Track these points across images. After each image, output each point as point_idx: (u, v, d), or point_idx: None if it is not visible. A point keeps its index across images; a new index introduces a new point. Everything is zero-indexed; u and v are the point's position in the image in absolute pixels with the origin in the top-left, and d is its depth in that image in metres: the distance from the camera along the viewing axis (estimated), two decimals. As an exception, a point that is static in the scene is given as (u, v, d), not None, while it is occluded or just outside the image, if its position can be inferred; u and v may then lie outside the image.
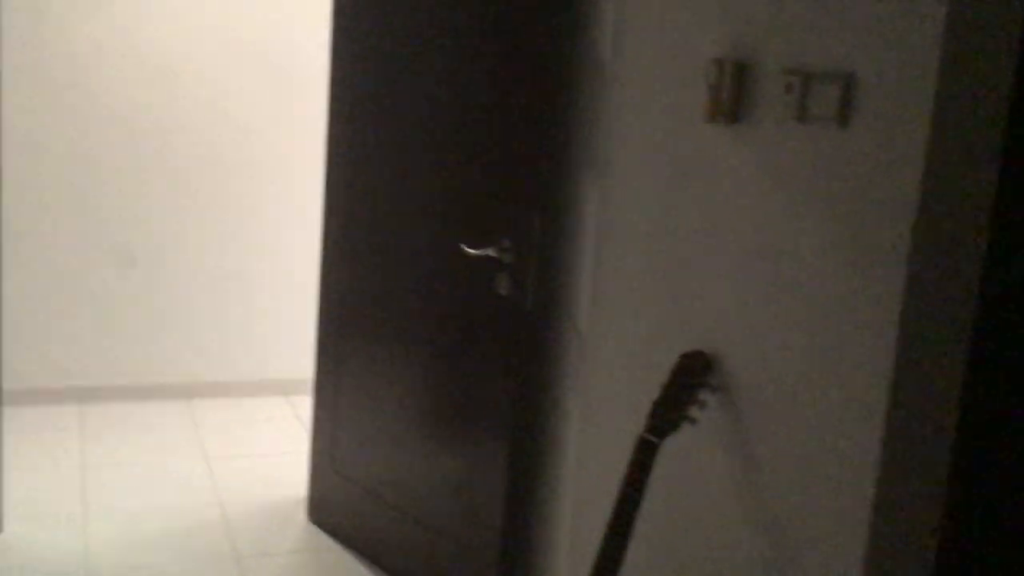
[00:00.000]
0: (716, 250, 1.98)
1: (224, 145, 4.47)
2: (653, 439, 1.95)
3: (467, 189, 2.70)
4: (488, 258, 2.60)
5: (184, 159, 4.42)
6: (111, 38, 4.21)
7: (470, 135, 2.67)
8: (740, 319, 1.91)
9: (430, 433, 2.88)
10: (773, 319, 1.82)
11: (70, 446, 3.99)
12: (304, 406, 4.55)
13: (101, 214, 4.34)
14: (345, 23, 3.08)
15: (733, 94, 1.89)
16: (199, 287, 4.55)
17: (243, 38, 4.39)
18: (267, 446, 4.17)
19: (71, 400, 4.44)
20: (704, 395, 1.96)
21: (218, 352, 4.63)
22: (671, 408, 1.95)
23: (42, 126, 4.18)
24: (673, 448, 2.09)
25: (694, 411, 1.97)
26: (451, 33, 2.70)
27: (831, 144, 1.68)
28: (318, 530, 3.42)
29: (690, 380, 1.95)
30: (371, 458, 3.12)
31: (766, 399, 1.85)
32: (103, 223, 4.35)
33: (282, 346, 4.69)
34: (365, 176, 3.04)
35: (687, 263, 2.07)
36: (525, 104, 2.50)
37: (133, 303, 4.47)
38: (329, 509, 3.35)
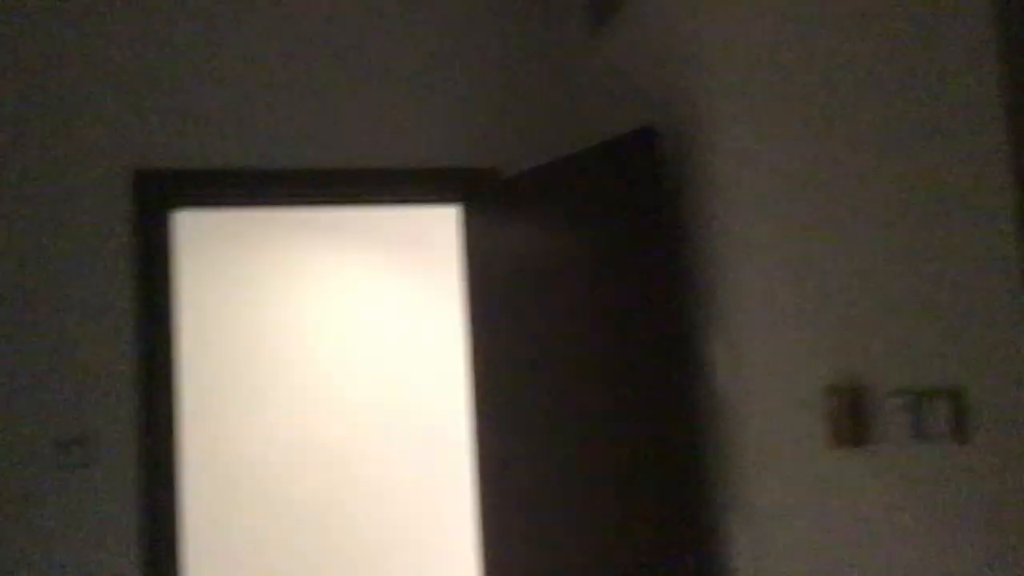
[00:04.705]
0: (865, 581, 1.87)
1: (387, 524, 4.65)
2: None
3: (621, 547, 2.68)
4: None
5: (350, 537, 4.60)
6: (278, 429, 4.58)
7: (612, 484, 2.70)
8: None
9: None
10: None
11: None
12: None
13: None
14: (486, 409, 3.25)
15: (851, 419, 1.88)
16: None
17: (394, 417, 4.71)
18: None
19: None
20: None
21: None
22: None
23: (220, 514, 4.48)
24: None
25: None
26: (584, 398, 2.82)
27: (952, 461, 1.62)
28: None
29: None
30: None
31: None
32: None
33: None
34: (512, 545, 3.08)
35: (837, 598, 1.96)
36: (657, 448, 2.54)
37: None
38: None
